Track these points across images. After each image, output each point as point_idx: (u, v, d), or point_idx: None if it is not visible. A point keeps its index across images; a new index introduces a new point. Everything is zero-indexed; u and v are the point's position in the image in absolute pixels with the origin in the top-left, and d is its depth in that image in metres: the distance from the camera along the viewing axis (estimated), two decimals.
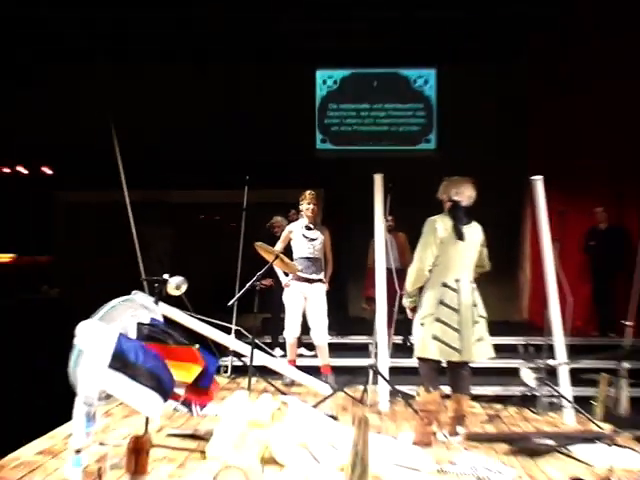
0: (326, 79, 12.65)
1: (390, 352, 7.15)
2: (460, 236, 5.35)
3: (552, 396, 6.97)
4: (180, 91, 11.75)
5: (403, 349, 8.53)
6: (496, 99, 11.79)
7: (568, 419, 6.47)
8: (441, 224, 5.39)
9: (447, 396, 5.79)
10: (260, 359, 7.21)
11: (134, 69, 11.92)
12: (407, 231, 9.03)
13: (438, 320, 5.30)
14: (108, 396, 3.02)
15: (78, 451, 2.99)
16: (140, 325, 3.12)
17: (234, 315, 7.64)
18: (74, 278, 11.27)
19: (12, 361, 7.06)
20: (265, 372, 7.42)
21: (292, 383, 7.45)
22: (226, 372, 7.97)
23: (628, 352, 6.79)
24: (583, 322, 9.90)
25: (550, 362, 7.15)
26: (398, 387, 6.78)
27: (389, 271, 7.35)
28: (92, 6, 9.95)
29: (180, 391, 3.62)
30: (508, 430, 6.09)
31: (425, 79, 12.49)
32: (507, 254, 10.95)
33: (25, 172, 12.83)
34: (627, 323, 5.96)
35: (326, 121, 12.68)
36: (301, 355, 8.38)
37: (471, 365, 5.55)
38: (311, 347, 8.31)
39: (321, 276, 7.54)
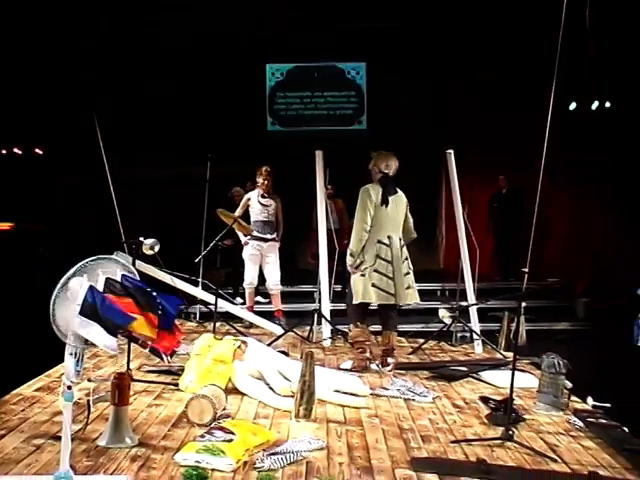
0: (274, 72, 12.50)
1: (331, 298, 7.17)
2: (386, 203, 5.37)
3: (464, 331, 7.09)
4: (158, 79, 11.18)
5: (342, 295, 8.54)
6: (417, 86, 11.72)
7: (478, 349, 6.60)
8: (373, 191, 5.40)
9: (378, 332, 5.83)
10: (223, 306, 7.15)
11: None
12: (344, 197, 8.98)
13: (376, 271, 5.31)
14: (87, 340, 2.94)
15: (69, 387, 2.91)
16: (108, 280, 3.04)
17: (201, 270, 7.53)
18: (65, 243, 10.94)
19: (15, 312, 6.84)
20: (228, 317, 7.38)
21: (250, 325, 7.42)
22: (195, 318, 7.91)
23: (525, 293, 6.90)
24: (488, 270, 9.97)
25: (462, 303, 7.27)
26: (338, 327, 6.83)
27: (330, 231, 7.40)
28: None
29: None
30: (429, 360, 6.19)
31: (357, 70, 12.43)
32: (426, 214, 10.92)
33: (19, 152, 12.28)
34: (524, 270, 6.02)
35: (275, 107, 12.54)
36: (258, 302, 8.34)
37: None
38: (266, 295, 8.31)
39: (274, 236, 7.53)
